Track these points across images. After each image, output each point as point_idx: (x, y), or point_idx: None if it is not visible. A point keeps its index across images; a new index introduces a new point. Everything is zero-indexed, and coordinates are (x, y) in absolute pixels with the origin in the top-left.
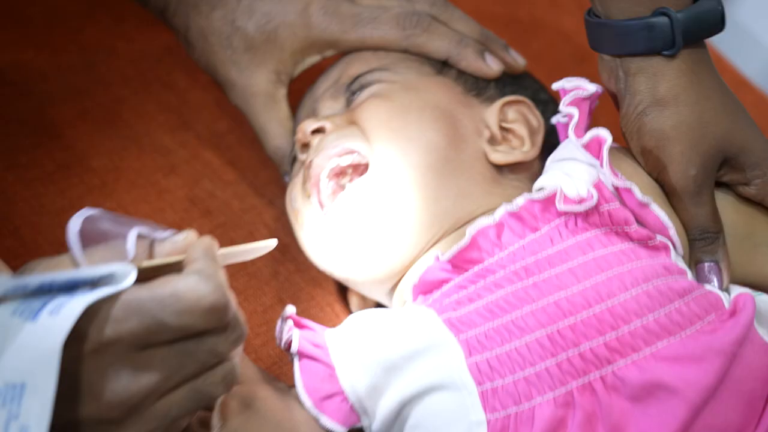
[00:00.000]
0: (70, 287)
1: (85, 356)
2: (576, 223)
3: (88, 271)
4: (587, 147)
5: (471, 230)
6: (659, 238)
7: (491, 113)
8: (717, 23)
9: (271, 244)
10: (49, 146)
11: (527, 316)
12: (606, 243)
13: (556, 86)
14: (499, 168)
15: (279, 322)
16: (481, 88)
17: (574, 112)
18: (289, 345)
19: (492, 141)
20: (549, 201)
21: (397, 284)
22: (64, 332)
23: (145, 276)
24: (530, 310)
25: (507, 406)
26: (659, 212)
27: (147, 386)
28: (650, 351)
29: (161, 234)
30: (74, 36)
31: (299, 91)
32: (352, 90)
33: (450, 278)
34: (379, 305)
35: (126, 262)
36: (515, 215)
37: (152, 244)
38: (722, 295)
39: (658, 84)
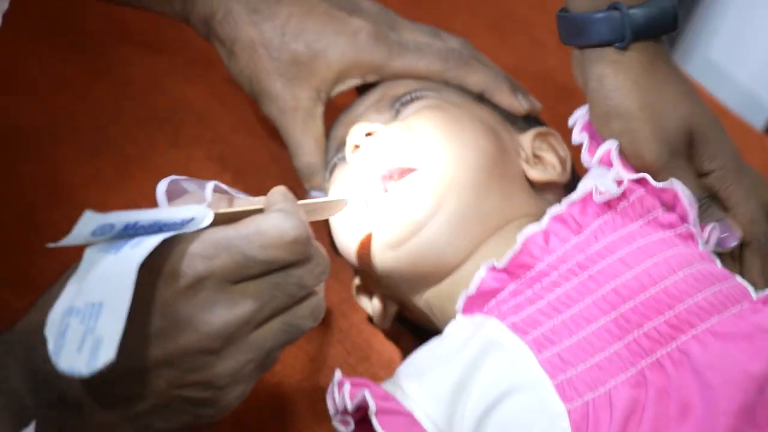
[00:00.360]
0: (154, 229)
1: (181, 292)
2: (614, 220)
3: (169, 212)
4: (601, 162)
5: (521, 237)
6: (686, 226)
7: (526, 139)
8: (669, 22)
9: (344, 201)
10: (65, 207)
11: (590, 306)
12: (645, 234)
13: (572, 121)
14: (535, 186)
15: (331, 389)
16: (513, 119)
17: (584, 138)
18: (357, 408)
19: (528, 162)
20: (587, 201)
21: (442, 282)
22: (140, 256)
23: (225, 222)
24: (591, 300)
25: (583, 393)
26: (683, 196)
27: (242, 316)
28: (706, 326)
29: (239, 193)
30: (82, 99)
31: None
32: (402, 102)
33: (504, 286)
34: (401, 311)
35: (203, 206)
36: (559, 218)
37: (230, 200)
38: (748, 286)
39: (618, 71)
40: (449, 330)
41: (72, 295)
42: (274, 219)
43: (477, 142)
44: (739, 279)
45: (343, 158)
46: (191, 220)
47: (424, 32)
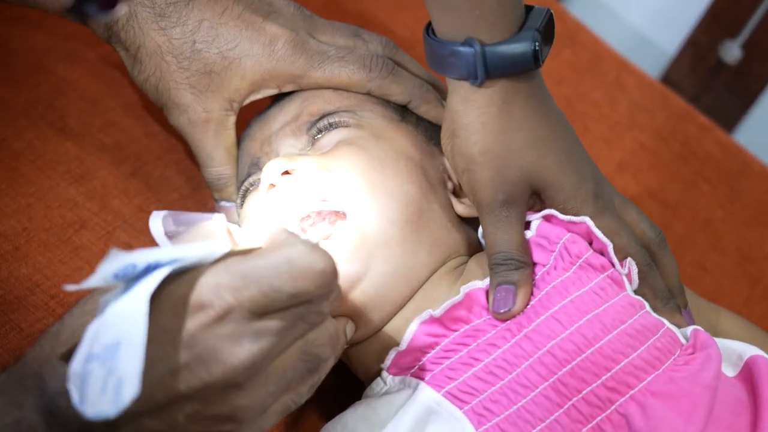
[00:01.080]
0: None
1: (209, 324)
2: (548, 273)
3: (190, 249)
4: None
5: (464, 288)
6: (614, 268)
7: (449, 162)
8: (527, 62)
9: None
10: None
11: (527, 371)
12: (578, 284)
13: None
14: (464, 219)
15: None
16: (437, 136)
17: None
18: None
19: (455, 192)
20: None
21: (374, 334)
22: (149, 288)
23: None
24: (529, 364)
25: None
26: (595, 229)
27: (267, 349)
28: (643, 385)
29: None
30: None
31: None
32: (318, 128)
33: (437, 342)
34: None
35: (218, 241)
36: None
37: (229, 231)
38: (676, 331)
39: (468, 109)
40: (378, 390)
41: (90, 342)
42: (302, 250)
43: (402, 189)
44: (668, 324)
45: (256, 185)
46: (207, 255)
47: (344, 34)
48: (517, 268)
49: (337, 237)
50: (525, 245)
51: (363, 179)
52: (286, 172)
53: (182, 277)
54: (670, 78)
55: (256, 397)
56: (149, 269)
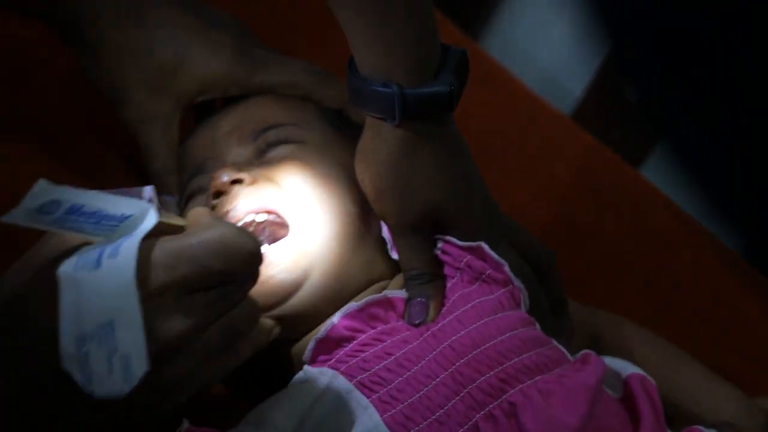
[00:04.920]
0: (95, 219)
1: (143, 300)
2: (455, 284)
3: (115, 202)
4: None
5: (386, 292)
6: (513, 285)
7: None
8: (444, 104)
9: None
10: None
11: (430, 362)
12: (479, 294)
13: None
14: None
15: None
16: None
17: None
18: None
19: None
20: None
21: (302, 337)
22: (132, 263)
23: (158, 232)
24: (432, 356)
25: None
26: (489, 251)
27: (195, 326)
28: (532, 383)
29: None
30: None
31: None
32: (267, 142)
33: (354, 336)
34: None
35: (148, 204)
36: None
37: (159, 210)
38: (564, 351)
39: (381, 146)
40: (296, 380)
41: (74, 322)
42: (233, 231)
43: (344, 207)
44: (555, 343)
45: (201, 191)
46: (131, 216)
47: (279, 53)
48: (429, 281)
49: (280, 247)
50: (435, 261)
51: (308, 195)
52: (235, 181)
53: None
54: (579, 115)
55: (181, 369)
56: (71, 212)
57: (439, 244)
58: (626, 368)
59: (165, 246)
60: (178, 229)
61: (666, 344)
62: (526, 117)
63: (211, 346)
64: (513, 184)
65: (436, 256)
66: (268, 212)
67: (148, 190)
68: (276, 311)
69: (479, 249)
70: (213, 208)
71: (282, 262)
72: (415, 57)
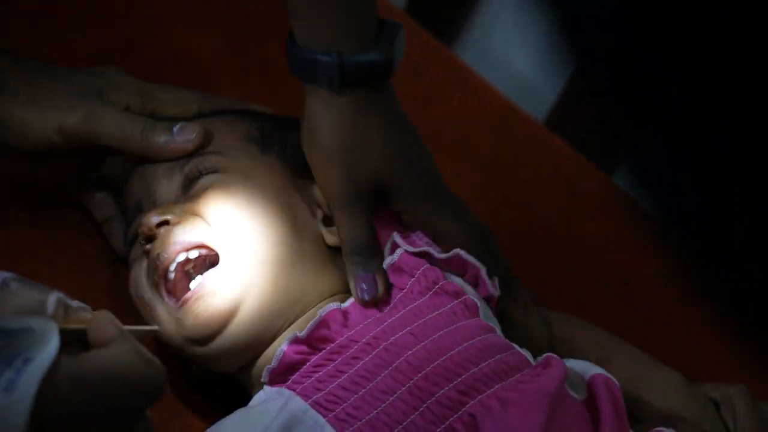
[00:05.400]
0: None
1: (36, 428)
2: (405, 296)
3: (11, 321)
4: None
5: (322, 311)
6: (469, 296)
7: (318, 191)
8: (381, 72)
9: (155, 327)
10: None
11: (386, 378)
12: (432, 307)
13: None
14: (333, 249)
15: None
16: (303, 166)
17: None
18: None
19: (325, 221)
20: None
21: (254, 361)
22: (27, 407)
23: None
24: (388, 372)
25: None
26: (467, 257)
27: None
28: (491, 392)
29: (74, 302)
30: None
31: None
32: (190, 177)
33: (306, 359)
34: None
35: (45, 318)
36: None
37: (66, 308)
38: (527, 354)
39: (326, 110)
40: (256, 400)
41: None
42: (132, 361)
43: (272, 230)
44: (517, 348)
45: (141, 234)
46: (29, 329)
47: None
48: (373, 255)
49: (211, 276)
50: (373, 236)
51: (233, 223)
52: (162, 223)
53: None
54: (553, 121)
55: None
56: None
57: (398, 252)
58: (589, 369)
59: (65, 372)
60: (80, 333)
61: (607, 335)
62: (500, 123)
63: None
64: (487, 190)
65: (376, 231)
66: (198, 247)
67: (53, 299)
68: (216, 343)
69: (456, 258)
70: (146, 253)
71: (214, 291)
72: (354, 27)
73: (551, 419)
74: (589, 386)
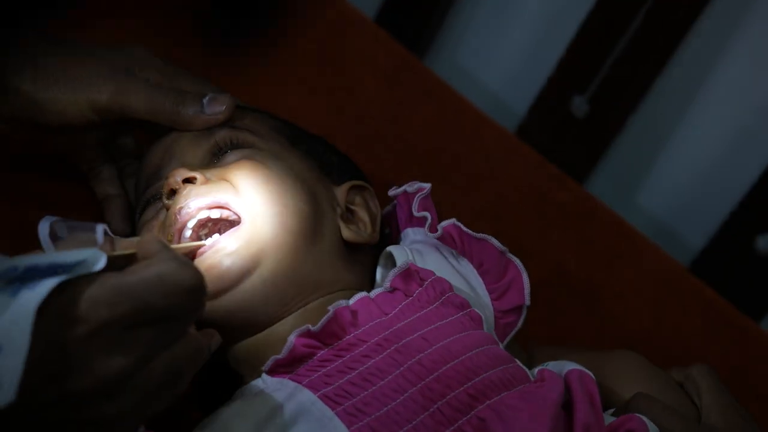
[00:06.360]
0: (51, 272)
1: (84, 337)
2: (412, 304)
3: (65, 255)
4: (443, 240)
5: (332, 306)
6: (474, 308)
7: (340, 192)
8: None
9: (202, 242)
10: None
11: (398, 377)
12: (440, 316)
13: (393, 193)
14: (349, 246)
15: None
16: (328, 168)
17: (427, 214)
18: None
19: (343, 218)
20: (393, 291)
21: (252, 336)
22: (37, 300)
23: (115, 262)
24: (399, 371)
25: None
26: (493, 241)
27: (135, 362)
28: (499, 398)
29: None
30: None
31: None
32: (220, 145)
33: (314, 353)
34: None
35: (96, 249)
36: (366, 300)
37: (111, 240)
38: (526, 369)
39: None
40: (257, 389)
41: None
42: (172, 266)
43: (297, 205)
44: (518, 362)
45: (158, 196)
46: (83, 261)
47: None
48: None
49: (231, 234)
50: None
51: (261, 190)
52: (188, 180)
53: (65, 289)
54: (524, 131)
55: (121, 405)
56: (28, 271)
57: (409, 257)
58: (564, 366)
59: (106, 283)
60: (130, 258)
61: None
62: (472, 133)
63: (153, 381)
64: (457, 200)
65: None
66: (221, 208)
67: (100, 230)
68: (224, 299)
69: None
70: (167, 208)
71: (231, 248)
72: None
73: (554, 427)
74: (565, 381)
